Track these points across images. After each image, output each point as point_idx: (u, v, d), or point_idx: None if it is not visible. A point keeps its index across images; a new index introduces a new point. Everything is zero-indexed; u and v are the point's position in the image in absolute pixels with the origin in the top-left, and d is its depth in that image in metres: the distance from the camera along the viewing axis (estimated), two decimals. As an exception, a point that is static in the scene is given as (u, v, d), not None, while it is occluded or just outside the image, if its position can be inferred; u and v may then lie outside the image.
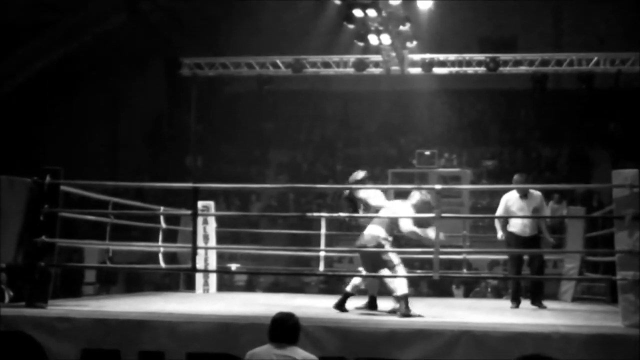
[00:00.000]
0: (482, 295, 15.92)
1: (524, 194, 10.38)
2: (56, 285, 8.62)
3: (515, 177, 10.80)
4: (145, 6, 21.64)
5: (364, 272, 9.15)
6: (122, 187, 15.98)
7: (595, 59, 17.42)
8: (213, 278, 12.81)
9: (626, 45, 18.47)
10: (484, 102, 25.52)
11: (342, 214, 9.05)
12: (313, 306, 9.21)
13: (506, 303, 11.09)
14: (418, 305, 9.09)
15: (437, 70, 18.04)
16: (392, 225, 8.91)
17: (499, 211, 10.61)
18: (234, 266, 16.18)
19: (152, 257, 12.49)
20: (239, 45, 21.43)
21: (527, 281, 11.04)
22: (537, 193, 10.55)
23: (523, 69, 17.83)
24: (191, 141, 19.53)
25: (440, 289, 16.25)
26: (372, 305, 9.34)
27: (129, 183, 10.06)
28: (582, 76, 17.81)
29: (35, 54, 20.44)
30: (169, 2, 22.13)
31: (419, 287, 16.89)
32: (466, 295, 16.35)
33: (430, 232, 8.59)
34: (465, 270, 13.51)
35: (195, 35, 23.48)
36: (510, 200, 10.46)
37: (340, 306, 9.06)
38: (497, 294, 15.67)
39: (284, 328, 5.72)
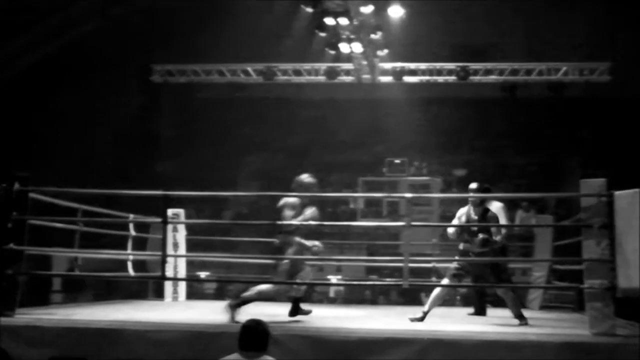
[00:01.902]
0: (452, 303, 15.97)
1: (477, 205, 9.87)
2: (23, 293, 8.53)
3: (470, 186, 10.65)
4: (119, 11, 21.53)
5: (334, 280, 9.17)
6: (92, 194, 15.93)
7: (565, 68, 17.61)
8: (182, 286, 12.78)
9: (595, 55, 18.65)
10: (454, 111, 25.57)
11: (312, 222, 9.04)
12: (283, 314, 9.20)
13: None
14: (389, 314, 9.11)
15: (407, 78, 18.16)
16: None
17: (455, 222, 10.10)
18: (203, 274, 16.12)
19: (122, 264, 12.41)
20: (211, 52, 21.38)
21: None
22: (497, 204, 10.49)
23: (493, 78, 17.98)
24: (163, 147, 19.46)
25: (410, 297, 16.29)
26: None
27: (98, 190, 9.98)
28: (552, 85, 17.97)
29: (3, 60, 20.27)
30: (143, 8, 22.03)
31: (389, 296, 16.94)
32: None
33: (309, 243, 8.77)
34: (434, 279, 13.55)
35: (168, 41, 23.39)
36: (461, 211, 9.92)
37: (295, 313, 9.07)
38: (467, 302, 15.73)
39: (253, 336, 5.70)
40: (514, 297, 9.37)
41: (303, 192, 8.96)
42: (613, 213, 7.52)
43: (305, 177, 9.29)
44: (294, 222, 8.84)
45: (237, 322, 8.16)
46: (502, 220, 10.28)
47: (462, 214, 9.71)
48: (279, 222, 8.97)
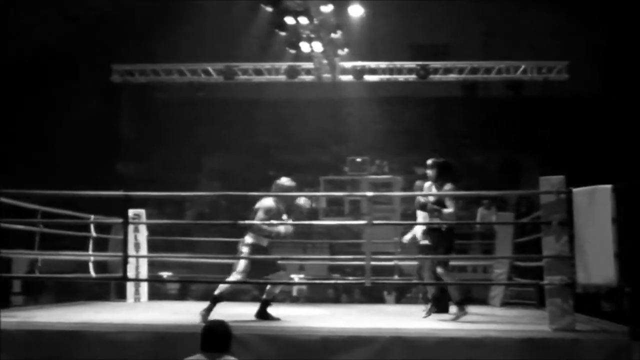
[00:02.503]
0: (414, 301, 16.04)
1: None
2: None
3: (417, 183, 10.75)
4: (78, 12, 21.36)
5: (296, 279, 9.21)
6: (52, 196, 15.79)
7: (523, 67, 17.76)
8: (144, 287, 12.71)
9: (554, 54, 18.82)
10: (414, 110, 25.69)
11: (274, 221, 9.04)
12: (246, 314, 9.19)
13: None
14: (351, 312, 9.13)
15: (368, 77, 18.21)
16: None
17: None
18: (165, 274, 16.04)
19: (83, 266, 12.31)
20: (172, 52, 21.30)
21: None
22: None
23: (453, 76, 18.08)
24: (123, 148, 19.36)
25: (372, 295, 16.34)
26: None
27: (58, 192, 9.86)
28: (511, 84, 18.12)
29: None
30: (103, 8, 21.87)
31: (351, 294, 16.97)
32: (398, 301, 16.47)
33: (281, 228, 8.95)
34: (396, 277, 13.60)
35: (129, 41, 23.25)
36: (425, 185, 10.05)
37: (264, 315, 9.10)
38: (428, 299, 15.80)
39: (216, 336, 5.68)
40: (456, 280, 9.40)
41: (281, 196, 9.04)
42: (572, 210, 7.60)
43: (285, 181, 9.35)
44: (257, 222, 8.86)
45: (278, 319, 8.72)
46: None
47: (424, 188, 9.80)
48: (242, 222, 8.97)
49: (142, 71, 18.47)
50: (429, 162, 9.85)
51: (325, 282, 8.36)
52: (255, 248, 8.96)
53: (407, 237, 10.64)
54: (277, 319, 9.01)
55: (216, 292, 8.82)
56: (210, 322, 5.76)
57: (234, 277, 8.92)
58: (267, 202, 9.09)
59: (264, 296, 9.28)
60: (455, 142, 24.67)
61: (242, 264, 8.87)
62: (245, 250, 8.97)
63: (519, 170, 23.05)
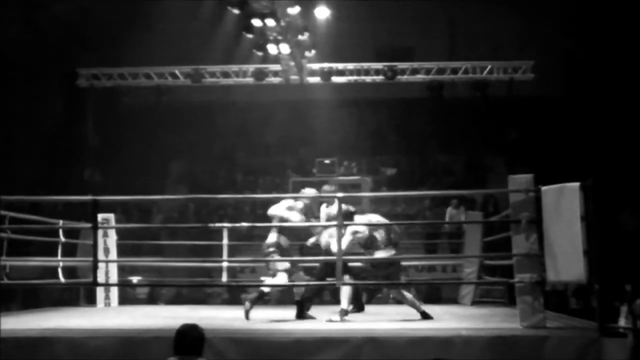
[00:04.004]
0: (384, 301, 16.06)
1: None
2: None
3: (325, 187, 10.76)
4: (40, 16, 21.21)
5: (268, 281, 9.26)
6: (18, 201, 15.64)
7: (489, 67, 17.89)
8: (114, 292, 12.63)
9: (519, 54, 18.98)
10: (382, 111, 25.77)
11: (244, 224, 9.06)
12: (217, 317, 9.17)
13: (408, 309, 11.21)
14: (322, 313, 9.16)
15: (335, 79, 18.25)
16: None
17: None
18: (135, 279, 15.96)
19: (51, 272, 12.21)
20: (138, 55, 21.20)
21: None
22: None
23: (420, 77, 18.16)
24: (89, 153, 19.25)
25: (342, 296, 16.32)
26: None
27: (27, 197, 9.80)
28: (477, 84, 18.23)
29: None
30: (65, 12, 21.72)
31: (322, 296, 16.96)
32: (369, 301, 16.47)
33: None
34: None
35: (93, 45, 23.12)
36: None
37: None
38: (399, 300, 15.83)
39: (188, 340, 5.66)
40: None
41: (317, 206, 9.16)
42: (541, 208, 7.66)
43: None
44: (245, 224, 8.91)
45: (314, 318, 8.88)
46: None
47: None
48: (212, 225, 8.98)
49: (108, 75, 18.37)
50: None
51: (296, 284, 8.40)
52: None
53: (311, 241, 10.66)
54: (314, 318, 9.23)
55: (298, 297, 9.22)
56: (183, 326, 5.73)
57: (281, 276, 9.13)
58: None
59: (298, 298, 9.43)
60: (422, 142, 24.77)
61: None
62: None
63: (486, 170, 23.20)
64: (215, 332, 7.16)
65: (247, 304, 8.99)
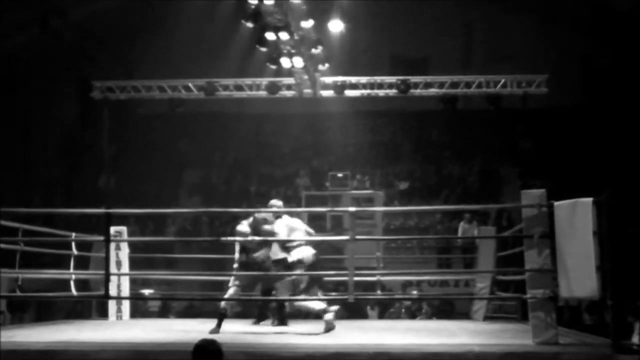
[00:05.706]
0: (397, 316, 16.05)
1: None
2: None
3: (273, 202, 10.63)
4: (57, 23, 21.31)
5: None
6: (34, 213, 15.67)
7: (503, 80, 17.83)
8: (126, 305, 12.64)
9: (533, 67, 18.94)
10: (395, 124, 25.81)
11: (256, 238, 9.06)
12: (229, 331, 9.16)
13: (420, 323, 11.20)
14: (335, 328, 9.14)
15: (349, 92, 18.23)
16: None
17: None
18: (147, 292, 15.97)
19: (63, 284, 12.23)
20: (152, 67, 21.30)
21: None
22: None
23: (433, 90, 18.10)
24: (104, 162, 19.38)
25: (355, 310, 16.31)
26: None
27: (41, 210, 9.82)
28: (490, 97, 18.19)
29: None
30: (82, 20, 21.82)
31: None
32: (381, 316, 16.46)
33: None
34: (379, 292, 13.60)
35: (108, 55, 23.24)
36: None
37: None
38: (411, 314, 15.82)
39: (206, 355, 5.66)
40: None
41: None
42: (553, 223, 7.63)
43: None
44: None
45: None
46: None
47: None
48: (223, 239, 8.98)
49: (122, 87, 18.41)
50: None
51: (308, 299, 8.38)
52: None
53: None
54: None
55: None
56: (202, 341, 5.72)
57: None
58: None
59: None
60: (436, 155, 24.76)
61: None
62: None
63: (500, 182, 23.16)
64: (229, 346, 7.14)
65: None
